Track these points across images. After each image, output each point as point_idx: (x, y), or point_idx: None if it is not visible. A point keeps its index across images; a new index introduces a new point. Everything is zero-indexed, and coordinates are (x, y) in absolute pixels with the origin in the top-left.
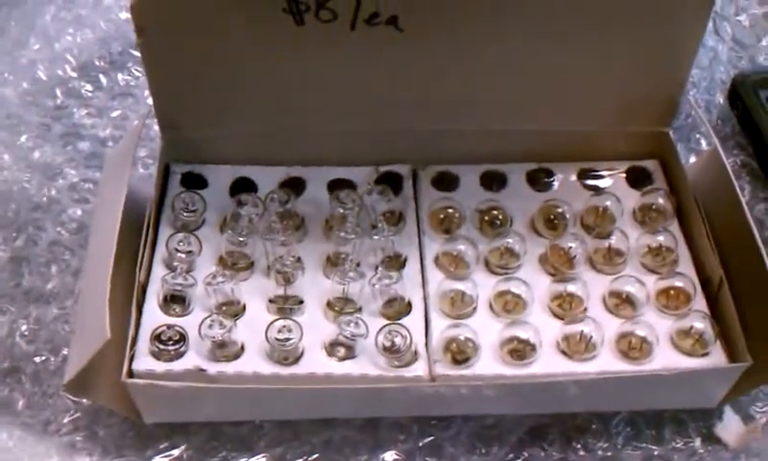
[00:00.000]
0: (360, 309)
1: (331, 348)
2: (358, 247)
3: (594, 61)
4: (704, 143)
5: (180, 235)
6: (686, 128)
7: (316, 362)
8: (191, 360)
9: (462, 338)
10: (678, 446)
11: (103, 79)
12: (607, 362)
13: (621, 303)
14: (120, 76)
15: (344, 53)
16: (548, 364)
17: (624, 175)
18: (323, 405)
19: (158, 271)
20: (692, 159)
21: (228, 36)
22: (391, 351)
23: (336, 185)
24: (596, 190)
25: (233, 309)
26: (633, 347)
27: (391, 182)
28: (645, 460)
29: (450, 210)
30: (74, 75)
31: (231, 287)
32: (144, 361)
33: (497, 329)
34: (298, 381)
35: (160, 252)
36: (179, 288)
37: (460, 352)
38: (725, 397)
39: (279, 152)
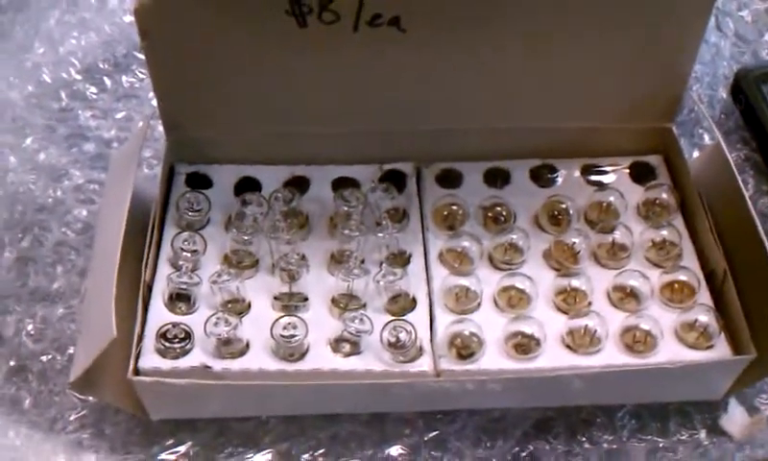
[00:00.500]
0: (365, 306)
1: (336, 344)
2: (362, 244)
3: (597, 58)
4: (707, 138)
5: (186, 234)
6: (689, 123)
7: (321, 358)
8: (197, 357)
9: (466, 333)
10: (683, 438)
11: (107, 81)
12: (611, 356)
13: (625, 296)
14: (124, 78)
15: (347, 54)
16: (553, 358)
17: (627, 170)
18: (328, 401)
19: (164, 270)
20: (695, 154)
21: (230, 38)
22: (396, 346)
23: (340, 184)
24: (600, 186)
25: (238, 307)
26: (637, 340)
27: (395, 180)
28: (650, 453)
29: (454, 207)
30: (78, 77)
31: (237, 285)
32: (150, 359)
33: (502, 324)
34: (303, 377)
35: (166, 251)
36: (184, 287)
37: (465, 348)
38: (729, 389)
39: (283, 152)
